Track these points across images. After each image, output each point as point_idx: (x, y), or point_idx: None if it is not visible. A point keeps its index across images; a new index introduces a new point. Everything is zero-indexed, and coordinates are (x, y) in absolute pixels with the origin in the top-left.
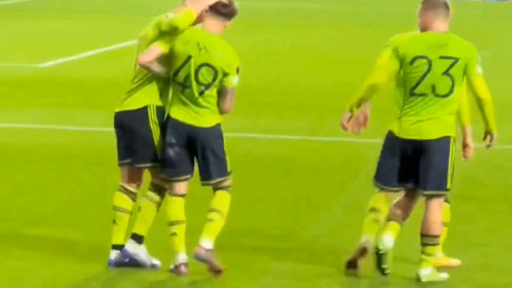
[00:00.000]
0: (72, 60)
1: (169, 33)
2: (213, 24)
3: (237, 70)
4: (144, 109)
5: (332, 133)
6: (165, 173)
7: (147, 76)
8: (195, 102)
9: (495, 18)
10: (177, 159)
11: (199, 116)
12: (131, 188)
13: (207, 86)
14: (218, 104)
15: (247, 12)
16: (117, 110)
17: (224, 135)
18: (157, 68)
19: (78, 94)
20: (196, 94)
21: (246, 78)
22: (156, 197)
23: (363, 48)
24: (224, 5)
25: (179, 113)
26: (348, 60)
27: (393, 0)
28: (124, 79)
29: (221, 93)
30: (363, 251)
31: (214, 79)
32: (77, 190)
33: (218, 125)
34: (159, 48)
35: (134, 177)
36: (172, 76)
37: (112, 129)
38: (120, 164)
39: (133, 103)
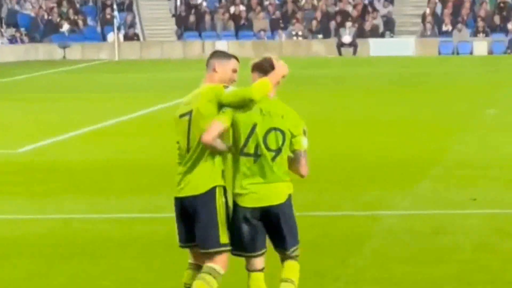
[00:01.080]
0: (52, 142)
1: (240, 106)
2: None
3: (304, 132)
4: (211, 192)
5: (331, 207)
6: (240, 249)
7: (204, 154)
8: (270, 170)
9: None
10: (252, 235)
11: (273, 190)
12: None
13: (278, 152)
14: (294, 170)
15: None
16: (179, 195)
17: None
18: (220, 145)
19: (61, 179)
20: (270, 161)
21: None
22: (213, 282)
23: (362, 114)
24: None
25: (250, 198)
26: (346, 132)
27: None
28: (109, 161)
29: (295, 158)
30: None
31: (283, 143)
32: (62, 283)
33: (290, 196)
34: (221, 123)
35: (200, 256)
36: (239, 149)
37: (95, 216)
38: (182, 247)
39: (198, 187)
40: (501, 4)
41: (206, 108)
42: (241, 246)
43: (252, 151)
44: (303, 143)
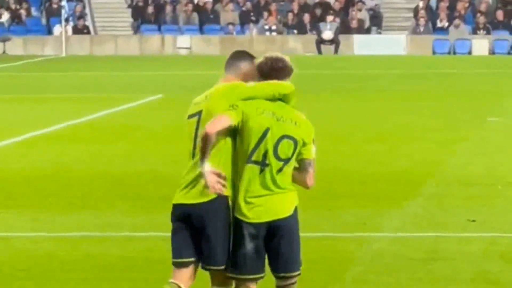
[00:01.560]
0: None
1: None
2: None
3: (313, 140)
4: (223, 199)
5: (310, 227)
6: (235, 271)
7: (221, 157)
8: (273, 183)
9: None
10: (255, 255)
11: (279, 203)
12: None
13: (286, 162)
14: (298, 181)
15: (192, 81)
16: (180, 202)
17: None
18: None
19: None
20: (275, 172)
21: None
22: None
23: (344, 123)
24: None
25: (255, 211)
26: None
27: None
28: (53, 171)
29: (302, 168)
30: None
31: (293, 153)
32: None
33: (296, 208)
34: (229, 118)
35: (192, 276)
36: (247, 155)
37: (37, 234)
38: (177, 263)
39: (206, 193)
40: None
41: (218, 106)
42: (241, 266)
43: (260, 158)
44: (312, 151)
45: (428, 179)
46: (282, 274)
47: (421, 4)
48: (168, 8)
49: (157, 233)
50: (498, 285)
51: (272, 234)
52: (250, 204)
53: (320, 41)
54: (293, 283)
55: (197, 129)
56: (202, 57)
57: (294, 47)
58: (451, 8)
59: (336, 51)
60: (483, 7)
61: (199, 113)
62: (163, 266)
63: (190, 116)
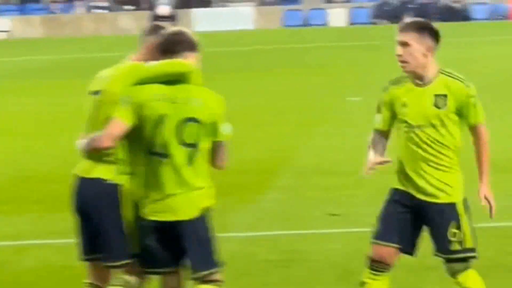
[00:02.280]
0: None
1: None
2: None
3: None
4: (112, 189)
5: None
6: (149, 265)
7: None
8: (178, 177)
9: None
10: (155, 250)
11: (181, 203)
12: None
13: (195, 147)
14: (210, 162)
15: (12, 67)
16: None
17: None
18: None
19: None
20: (180, 163)
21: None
22: None
23: None
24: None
25: (152, 209)
26: None
27: None
28: None
29: (214, 150)
30: None
31: (200, 136)
32: None
33: (207, 209)
34: (122, 123)
35: (107, 274)
36: (147, 146)
37: None
38: (83, 260)
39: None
40: None
41: (116, 89)
42: (151, 260)
43: (159, 149)
44: (223, 131)
45: (281, 168)
46: (193, 276)
47: None
48: None
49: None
50: None
51: (177, 233)
52: (149, 199)
53: (155, 18)
54: (211, 280)
55: (97, 108)
56: (23, 40)
57: (127, 26)
58: None
59: None
60: None
61: (98, 92)
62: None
63: (91, 92)
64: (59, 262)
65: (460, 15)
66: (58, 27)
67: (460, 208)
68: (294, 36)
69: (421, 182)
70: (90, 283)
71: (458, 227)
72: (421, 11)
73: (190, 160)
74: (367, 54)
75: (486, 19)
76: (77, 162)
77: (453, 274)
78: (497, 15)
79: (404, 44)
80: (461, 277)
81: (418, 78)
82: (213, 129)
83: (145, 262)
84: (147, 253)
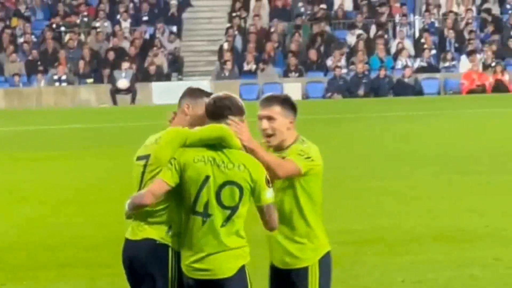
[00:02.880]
0: None
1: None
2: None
3: (268, 182)
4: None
5: None
6: None
7: (169, 205)
8: (216, 237)
9: None
10: None
11: (218, 262)
12: None
13: (234, 210)
14: (264, 225)
15: None
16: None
17: None
18: None
19: None
20: (220, 223)
21: None
22: None
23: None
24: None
25: (194, 267)
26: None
27: None
28: None
29: (260, 214)
30: None
31: (240, 199)
32: None
33: (243, 268)
34: (164, 184)
35: None
36: (190, 206)
37: None
38: None
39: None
40: (318, 36)
41: (164, 154)
42: None
43: (201, 209)
44: (267, 196)
45: None
46: None
47: (225, 46)
48: None
49: None
50: None
51: None
52: (190, 257)
53: (115, 91)
54: None
55: (143, 173)
56: None
57: (87, 98)
58: (259, 48)
59: (133, 101)
60: (294, 47)
61: (146, 156)
62: None
63: (138, 158)
64: None
65: (412, 89)
66: (20, 99)
67: None
68: (250, 109)
69: None
70: None
71: None
72: (374, 85)
73: (228, 221)
74: (319, 127)
75: (437, 93)
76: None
77: None
78: (448, 90)
79: (270, 118)
80: None
81: (279, 149)
82: (254, 194)
83: None
84: None
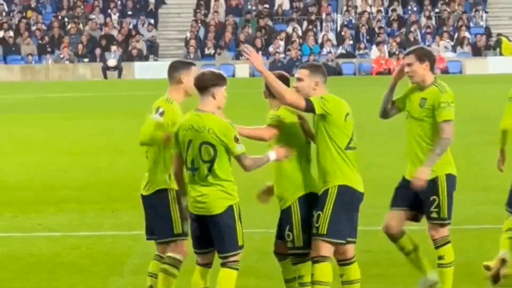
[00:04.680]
0: None
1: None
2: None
3: (236, 139)
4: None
5: (94, 227)
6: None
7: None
8: (206, 182)
9: None
10: (197, 235)
11: (212, 199)
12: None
13: (212, 162)
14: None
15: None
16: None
17: None
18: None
19: None
20: (205, 173)
21: (0, 174)
22: (174, 270)
23: (126, 136)
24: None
25: (192, 206)
26: (109, 150)
27: None
28: None
29: (237, 162)
30: (503, 262)
31: (215, 154)
32: None
33: (232, 207)
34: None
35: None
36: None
37: None
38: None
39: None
40: (262, 28)
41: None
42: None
43: (190, 165)
44: (237, 149)
45: None
46: (219, 255)
47: (189, 35)
48: None
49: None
50: None
51: (208, 224)
52: (191, 198)
53: (106, 68)
54: (230, 261)
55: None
56: (5, 83)
57: (83, 74)
58: (217, 37)
59: (119, 76)
60: (243, 37)
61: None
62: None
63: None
64: (23, 253)
65: (334, 71)
66: (32, 73)
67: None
68: None
69: None
70: (157, 255)
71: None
72: (287, 66)
73: (210, 171)
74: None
75: (353, 74)
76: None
77: None
78: (362, 72)
79: (299, 80)
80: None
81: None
82: (228, 150)
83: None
84: (192, 237)
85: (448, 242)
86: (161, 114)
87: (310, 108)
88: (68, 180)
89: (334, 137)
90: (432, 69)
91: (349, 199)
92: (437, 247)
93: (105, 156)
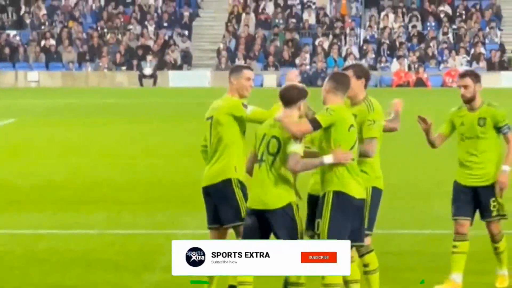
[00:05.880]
0: None
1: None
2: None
3: (295, 138)
4: (227, 181)
5: (129, 226)
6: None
7: (220, 149)
8: (268, 175)
9: None
10: (249, 228)
11: (267, 196)
12: None
13: (275, 156)
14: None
15: (40, 107)
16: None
17: (24, 232)
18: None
19: None
20: (269, 166)
21: (44, 174)
22: None
23: (161, 141)
24: None
25: (251, 198)
26: (145, 154)
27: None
28: None
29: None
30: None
31: (278, 148)
32: None
33: (290, 204)
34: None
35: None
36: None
37: None
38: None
39: (217, 177)
40: (289, 41)
41: (223, 118)
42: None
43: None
44: (290, 148)
45: None
46: None
47: (222, 46)
48: (21, 49)
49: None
50: None
51: (266, 219)
52: (251, 191)
53: (142, 76)
54: None
55: (210, 129)
56: (48, 88)
57: (121, 81)
58: (247, 49)
59: (154, 83)
60: (272, 49)
61: (211, 118)
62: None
63: (207, 118)
64: (63, 249)
65: None
66: (73, 80)
67: None
68: None
69: None
70: None
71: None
72: (312, 78)
73: (272, 164)
74: None
75: (375, 86)
76: None
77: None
78: (383, 84)
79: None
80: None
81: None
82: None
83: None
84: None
85: (372, 250)
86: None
87: (317, 127)
88: (105, 180)
89: (335, 145)
90: (366, 86)
91: (342, 205)
92: (361, 256)
93: (140, 159)
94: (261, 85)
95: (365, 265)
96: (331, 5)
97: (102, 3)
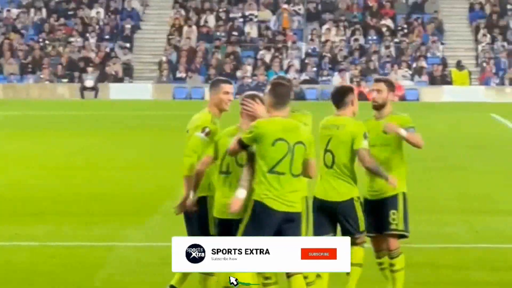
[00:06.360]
0: None
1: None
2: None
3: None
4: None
5: (69, 238)
6: None
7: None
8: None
9: None
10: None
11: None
12: None
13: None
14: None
15: None
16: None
17: None
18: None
19: None
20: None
21: None
22: None
23: (101, 154)
24: None
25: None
26: (86, 167)
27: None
28: None
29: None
30: None
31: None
32: None
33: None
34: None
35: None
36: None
37: None
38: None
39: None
40: (231, 54)
41: (191, 133)
42: None
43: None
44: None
45: (165, 199)
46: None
47: (164, 59)
48: None
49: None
50: None
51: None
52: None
53: (83, 88)
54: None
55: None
56: None
57: (62, 93)
58: (189, 62)
59: (95, 96)
60: (213, 62)
61: (187, 131)
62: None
63: (187, 131)
64: (1, 262)
65: (297, 95)
66: (14, 92)
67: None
68: (180, 106)
69: None
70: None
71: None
72: (254, 90)
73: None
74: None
75: (316, 99)
76: None
77: None
78: (324, 97)
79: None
80: None
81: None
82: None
83: None
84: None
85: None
86: None
87: (243, 146)
88: (46, 193)
89: (260, 159)
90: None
91: (257, 213)
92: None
93: (81, 171)
94: (202, 98)
95: (391, 265)
96: (273, 18)
97: (44, 15)
